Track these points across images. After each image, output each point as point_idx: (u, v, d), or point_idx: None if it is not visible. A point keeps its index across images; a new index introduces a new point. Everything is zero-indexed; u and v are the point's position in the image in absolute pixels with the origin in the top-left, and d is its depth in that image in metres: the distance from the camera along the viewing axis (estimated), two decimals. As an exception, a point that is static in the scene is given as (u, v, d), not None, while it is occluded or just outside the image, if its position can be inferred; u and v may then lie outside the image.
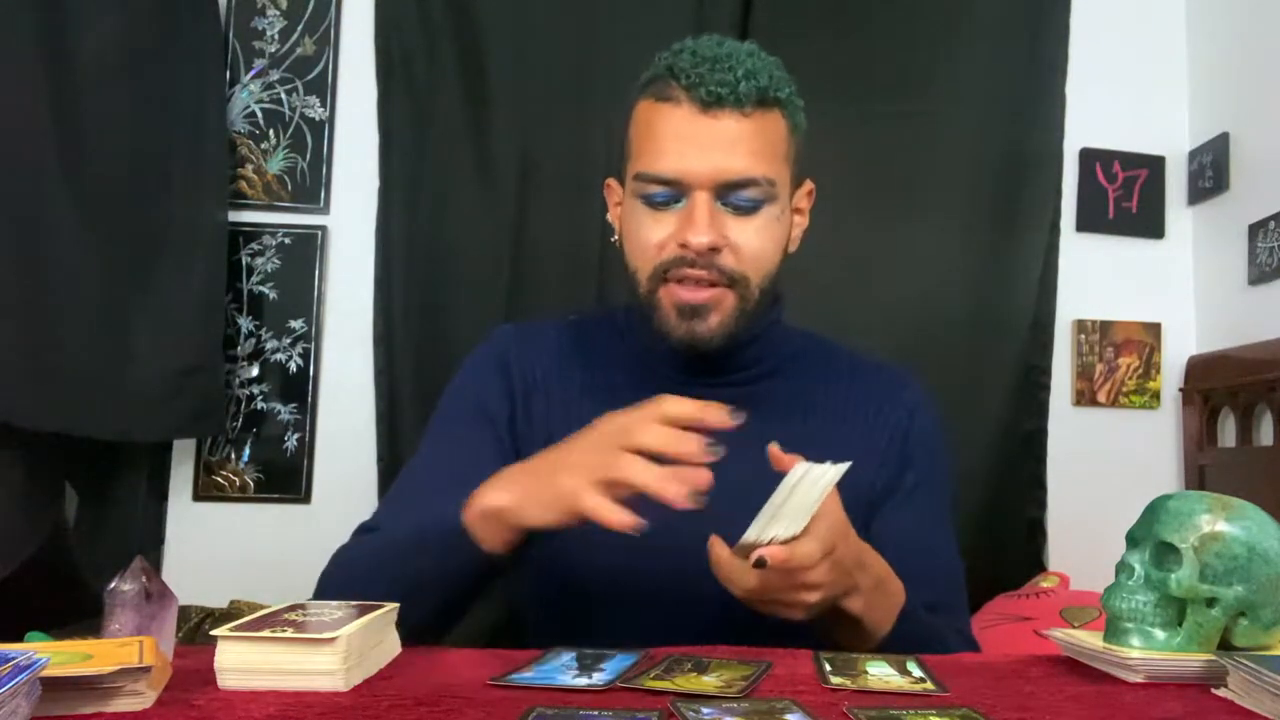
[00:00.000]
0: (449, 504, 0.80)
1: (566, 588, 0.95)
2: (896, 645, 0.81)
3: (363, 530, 0.97)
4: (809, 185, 1.01)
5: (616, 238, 1.02)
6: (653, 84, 0.94)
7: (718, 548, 0.75)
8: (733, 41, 0.94)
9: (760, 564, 0.71)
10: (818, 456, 0.96)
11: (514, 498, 0.77)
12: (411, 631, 0.74)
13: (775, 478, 0.95)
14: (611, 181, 1.04)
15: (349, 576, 0.87)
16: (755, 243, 0.91)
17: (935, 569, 0.97)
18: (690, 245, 0.88)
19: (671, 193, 0.91)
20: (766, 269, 0.93)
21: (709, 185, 0.89)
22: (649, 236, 0.92)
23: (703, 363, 0.97)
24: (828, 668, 0.67)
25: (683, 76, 0.90)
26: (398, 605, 0.72)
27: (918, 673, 0.67)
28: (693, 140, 0.89)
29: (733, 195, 0.90)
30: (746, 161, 0.89)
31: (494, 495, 0.78)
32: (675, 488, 0.69)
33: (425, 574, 0.81)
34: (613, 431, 0.74)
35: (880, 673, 0.66)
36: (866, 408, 1.00)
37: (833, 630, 0.83)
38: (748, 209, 0.91)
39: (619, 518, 0.70)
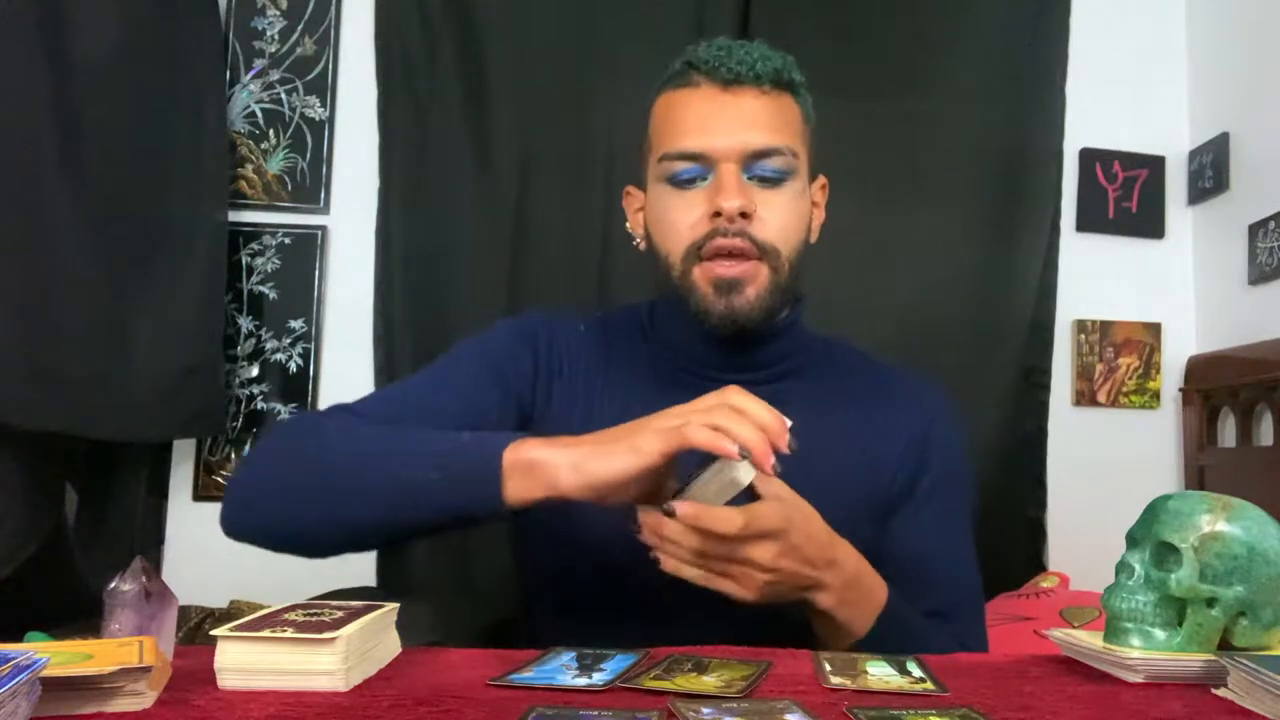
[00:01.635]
0: (497, 436, 0.78)
1: (577, 582, 0.95)
2: (879, 645, 0.81)
3: (343, 410, 0.92)
4: (822, 179, 1.02)
5: (639, 241, 1.02)
6: (671, 79, 0.96)
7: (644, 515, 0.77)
8: (743, 40, 0.97)
9: (669, 512, 0.74)
10: (837, 457, 0.97)
11: (575, 456, 0.74)
12: (342, 537, 0.77)
13: (795, 477, 0.96)
14: (631, 188, 1.04)
15: (328, 449, 0.82)
16: (782, 215, 0.92)
17: (943, 576, 0.96)
18: (723, 210, 0.89)
19: (698, 169, 0.92)
20: (795, 242, 0.94)
21: (735, 157, 0.91)
22: (679, 218, 0.92)
23: (727, 360, 0.97)
24: (828, 668, 0.67)
25: (701, 64, 0.93)
26: (397, 605, 0.72)
27: (918, 673, 0.67)
28: (716, 116, 0.91)
29: (758, 166, 0.91)
30: (769, 133, 0.91)
31: (547, 451, 0.75)
32: (766, 447, 0.71)
33: (421, 489, 0.77)
34: (711, 398, 0.75)
35: (880, 673, 0.66)
36: (887, 412, 1.01)
37: (810, 625, 0.84)
38: (774, 180, 0.92)
39: (727, 446, 0.70)
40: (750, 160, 0.91)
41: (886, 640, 0.82)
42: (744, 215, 0.89)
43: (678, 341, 0.99)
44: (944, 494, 1.00)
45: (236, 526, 0.84)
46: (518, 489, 0.75)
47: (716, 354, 0.97)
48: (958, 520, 1.01)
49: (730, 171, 0.90)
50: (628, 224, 1.05)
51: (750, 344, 0.96)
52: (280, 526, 0.83)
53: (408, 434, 0.83)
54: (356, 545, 0.84)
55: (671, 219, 0.93)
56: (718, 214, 0.89)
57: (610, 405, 0.98)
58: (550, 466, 0.74)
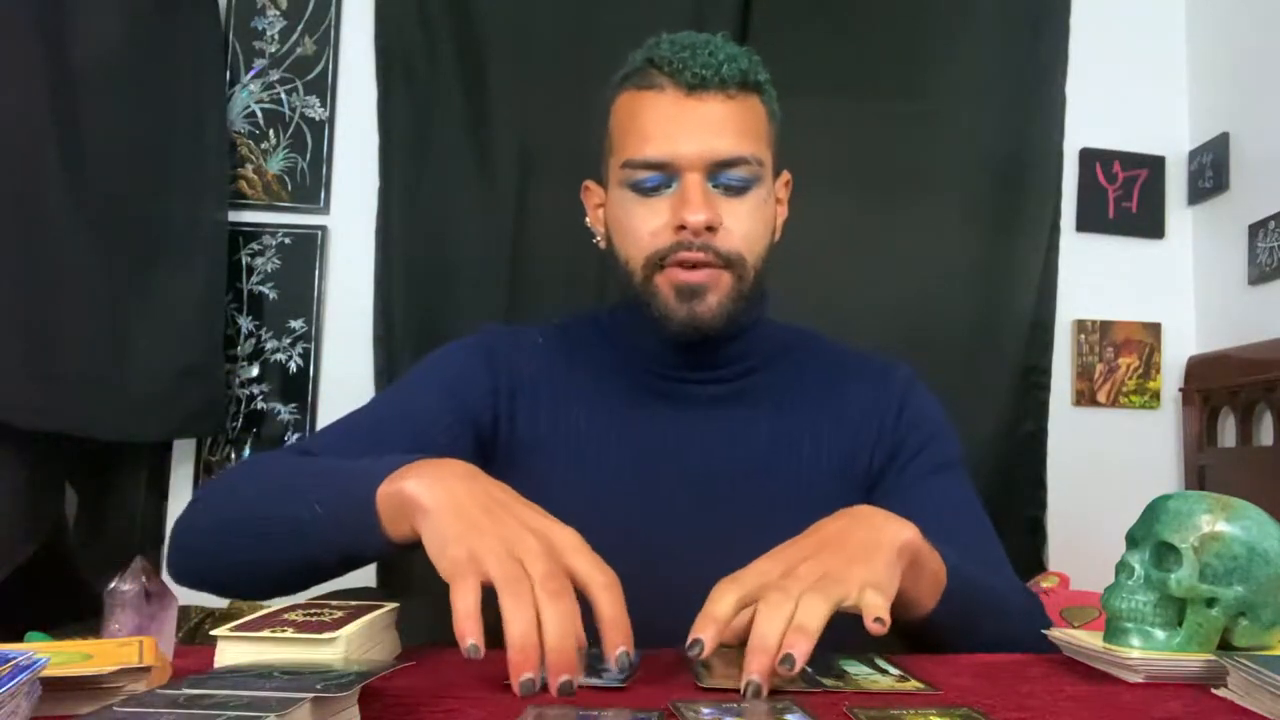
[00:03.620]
0: (382, 461, 0.71)
1: None
2: (950, 619, 0.75)
3: (294, 451, 0.94)
4: (786, 175, 1.01)
5: (599, 239, 1.01)
6: (632, 76, 0.94)
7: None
8: (707, 34, 0.95)
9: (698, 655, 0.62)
10: (807, 449, 0.96)
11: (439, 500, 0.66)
12: (257, 580, 0.77)
13: (765, 470, 0.94)
14: (590, 183, 1.02)
15: (240, 489, 0.83)
16: (747, 224, 0.91)
17: (950, 525, 0.90)
18: (688, 224, 0.87)
19: (662, 177, 0.90)
20: (759, 250, 0.93)
21: (700, 166, 0.89)
22: (641, 225, 0.91)
23: (690, 360, 0.96)
24: (809, 670, 0.67)
25: (665, 64, 0.90)
26: (397, 605, 0.72)
27: (895, 670, 0.67)
28: (680, 123, 0.89)
29: (723, 175, 0.90)
30: (734, 141, 0.89)
31: (418, 482, 0.67)
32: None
33: (307, 527, 0.73)
34: (551, 539, 0.63)
35: (857, 672, 0.66)
36: (856, 397, 1.00)
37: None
38: (738, 189, 0.90)
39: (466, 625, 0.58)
40: (715, 170, 0.89)
41: (959, 614, 0.76)
42: (709, 229, 0.88)
43: (640, 345, 0.98)
44: (930, 453, 0.98)
45: (176, 572, 0.84)
46: (395, 527, 0.69)
47: (680, 356, 0.96)
48: (952, 475, 0.98)
49: (695, 182, 0.88)
50: (586, 219, 1.03)
51: (714, 345, 0.95)
52: (210, 573, 0.83)
53: (314, 467, 0.80)
54: (280, 587, 0.81)
55: (634, 226, 0.91)
56: (682, 226, 0.88)
57: (578, 414, 0.97)
58: (415, 502, 0.66)
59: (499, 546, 0.60)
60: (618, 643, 0.59)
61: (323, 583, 0.80)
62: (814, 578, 0.63)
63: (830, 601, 0.61)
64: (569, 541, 0.63)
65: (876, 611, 0.61)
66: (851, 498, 0.96)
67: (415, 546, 0.68)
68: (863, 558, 0.66)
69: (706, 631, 0.61)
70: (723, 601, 0.62)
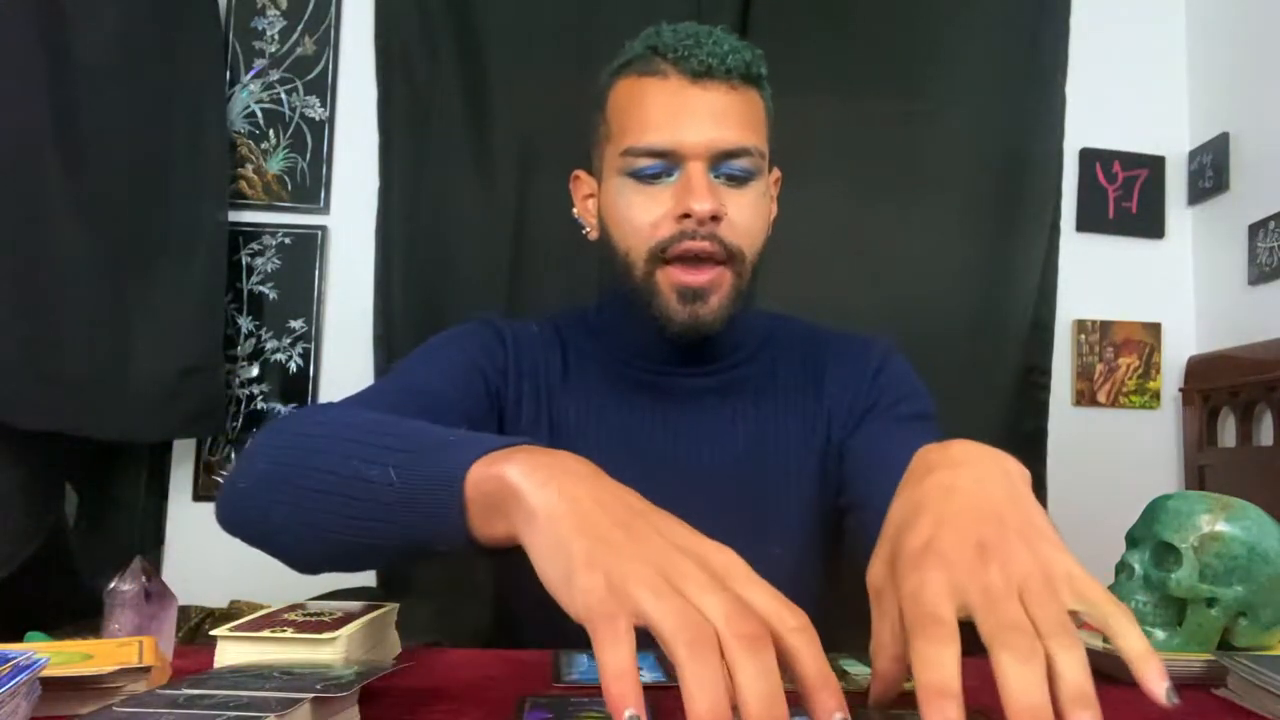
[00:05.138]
0: (475, 437, 0.58)
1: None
2: None
3: (351, 401, 0.87)
4: (777, 173, 1.01)
5: (589, 230, 1.00)
6: (633, 63, 0.93)
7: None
8: (709, 25, 0.94)
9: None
10: (793, 433, 0.97)
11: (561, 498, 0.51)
12: (311, 543, 0.65)
13: (755, 459, 0.93)
14: (580, 173, 1.01)
15: (304, 436, 0.69)
16: (749, 215, 0.90)
17: None
18: (694, 212, 0.86)
19: (663, 165, 0.89)
20: (757, 245, 0.92)
21: (703, 155, 0.88)
22: (642, 215, 0.89)
23: (680, 355, 0.96)
24: None
25: (669, 51, 0.89)
26: (397, 605, 0.72)
27: None
28: (684, 111, 0.88)
29: (725, 165, 0.89)
30: (738, 132, 0.89)
31: (533, 481, 0.52)
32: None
33: (377, 494, 0.59)
34: (723, 569, 0.48)
35: (858, 672, 0.67)
36: (836, 375, 1.00)
37: None
38: (740, 180, 0.90)
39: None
40: (718, 160, 0.89)
41: None
42: (714, 218, 0.87)
43: (630, 339, 0.98)
44: (908, 404, 0.98)
45: (224, 520, 0.74)
46: (485, 523, 0.55)
47: (670, 351, 0.96)
48: (930, 426, 0.97)
49: (699, 170, 0.87)
50: (574, 210, 1.01)
51: (706, 340, 0.94)
52: (258, 524, 0.70)
53: (394, 424, 0.67)
54: (327, 560, 0.68)
55: (633, 216, 0.90)
56: (685, 215, 0.87)
57: (571, 407, 0.97)
58: (520, 499, 0.52)
59: (650, 574, 0.45)
60: (831, 707, 0.44)
61: (376, 567, 0.65)
62: (1021, 585, 0.48)
63: (1078, 636, 0.46)
64: (737, 568, 0.47)
65: (1156, 670, 0.46)
66: (831, 481, 0.96)
67: (504, 551, 0.54)
68: (1036, 533, 0.51)
69: (948, 712, 0.46)
70: (944, 655, 0.47)
